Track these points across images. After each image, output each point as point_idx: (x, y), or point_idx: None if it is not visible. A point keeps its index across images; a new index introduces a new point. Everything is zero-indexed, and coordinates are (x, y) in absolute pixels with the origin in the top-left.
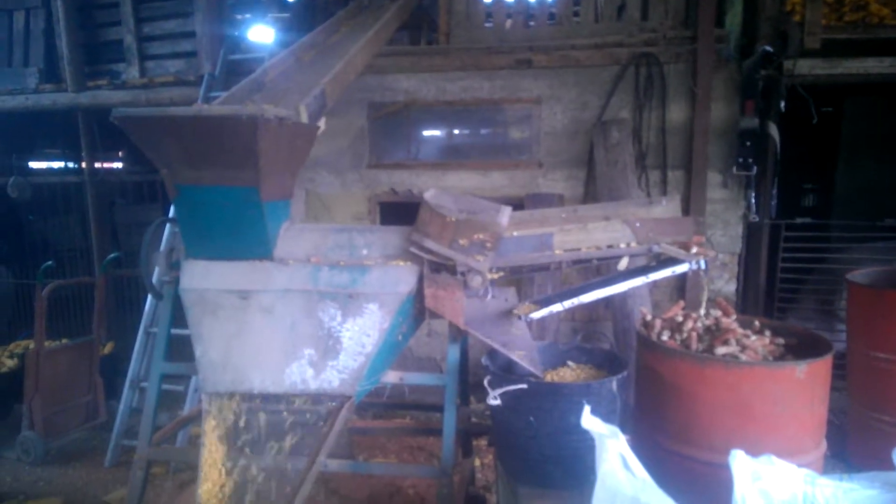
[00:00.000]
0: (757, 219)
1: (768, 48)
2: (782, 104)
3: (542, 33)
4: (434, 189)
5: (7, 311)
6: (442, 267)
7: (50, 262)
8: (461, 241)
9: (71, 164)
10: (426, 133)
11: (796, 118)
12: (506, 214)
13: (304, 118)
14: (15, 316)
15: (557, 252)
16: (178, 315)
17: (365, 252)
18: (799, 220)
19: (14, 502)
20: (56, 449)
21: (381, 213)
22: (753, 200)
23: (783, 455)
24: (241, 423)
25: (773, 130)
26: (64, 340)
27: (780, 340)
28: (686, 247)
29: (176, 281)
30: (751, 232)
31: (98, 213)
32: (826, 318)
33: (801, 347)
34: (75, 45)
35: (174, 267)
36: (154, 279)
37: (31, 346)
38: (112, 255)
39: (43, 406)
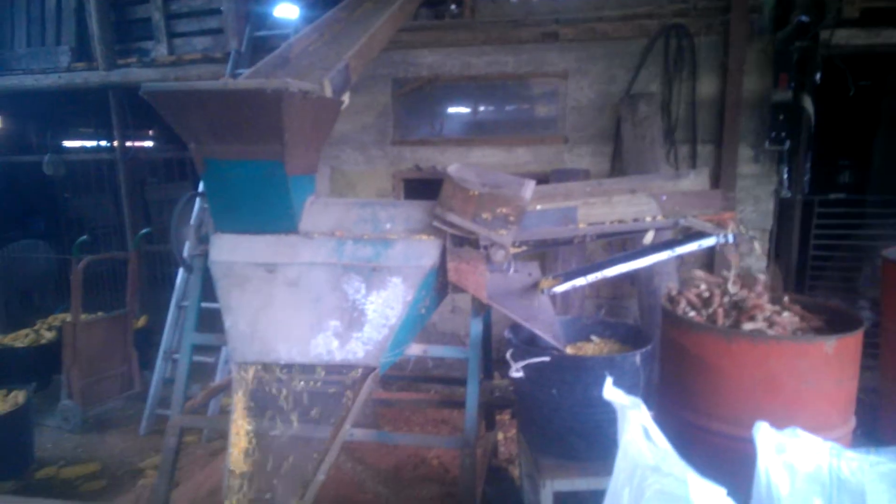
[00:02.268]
0: (789, 194)
1: (804, 18)
2: (818, 76)
3: (569, 5)
4: (458, 164)
5: (47, 285)
6: (465, 241)
7: (84, 237)
8: (484, 215)
9: (103, 143)
10: (450, 109)
11: (832, 91)
12: (529, 188)
13: (328, 92)
14: (54, 290)
15: (581, 226)
16: (209, 289)
17: (388, 226)
18: (833, 196)
19: (54, 468)
20: (93, 417)
21: (406, 189)
22: (786, 176)
23: (811, 430)
24: (269, 393)
25: (808, 103)
26: (100, 314)
27: (811, 316)
28: (723, 224)
29: (205, 254)
30: (782, 208)
31: (130, 191)
32: (850, 295)
33: (832, 324)
34: (106, 24)
35: (203, 241)
36: (184, 253)
37: (69, 318)
38: (143, 231)
39: (80, 376)
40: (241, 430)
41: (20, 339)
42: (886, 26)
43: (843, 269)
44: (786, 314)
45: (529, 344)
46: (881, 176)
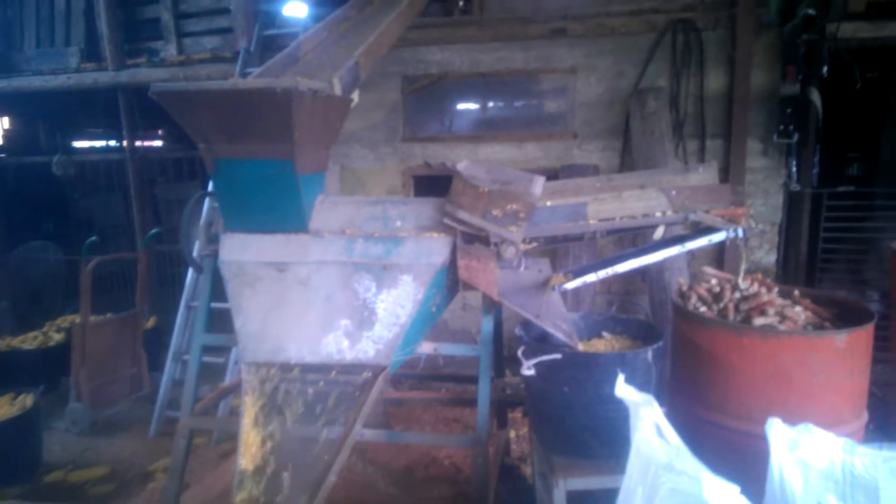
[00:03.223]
0: (798, 187)
1: (810, 11)
2: (825, 69)
3: (577, 2)
4: (467, 160)
5: (56, 286)
6: (475, 238)
7: (94, 238)
8: (494, 212)
9: (113, 143)
10: (460, 106)
11: (840, 84)
12: (539, 184)
13: (338, 91)
14: (64, 291)
15: (592, 221)
16: (219, 290)
17: (399, 224)
18: (842, 189)
19: (63, 471)
20: (102, 420)
21: (415, 186)
22: (795, 169)
23: (823, 426)
24: (280, 393)
25: (815, 97)
26: (109, 315)
27: (821, 310)
28: (735, 219)
29: (215, 254)
30: (792, 201)
31: (139, 191)
32: (859, 287)
33: (842, 317)
34: (115, 24)
35: (213, 240)
36: (194, 252)
37: (77, 320)
38: (153, 231)
39: (89, 378)
40: (251, 431)
41: (28, 341)
42: (892, 19)
43: (852, 262)
44: (796, 308)
45: (541, 341)
46: (890, 168)
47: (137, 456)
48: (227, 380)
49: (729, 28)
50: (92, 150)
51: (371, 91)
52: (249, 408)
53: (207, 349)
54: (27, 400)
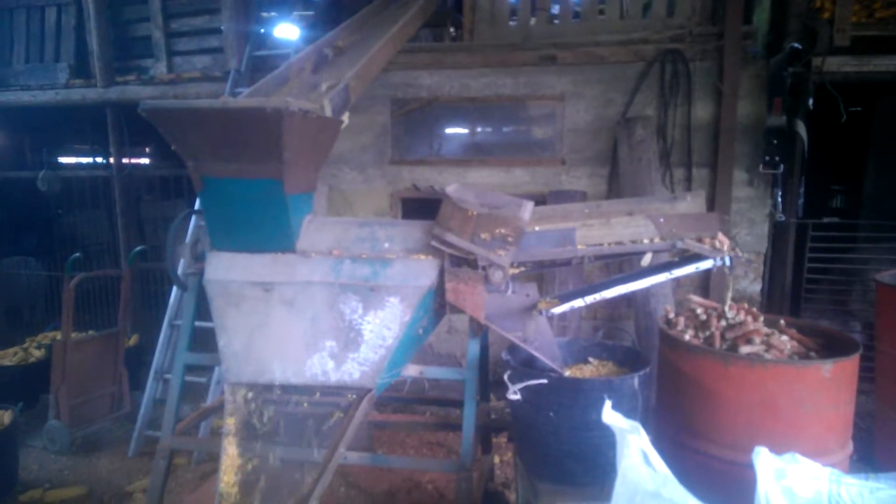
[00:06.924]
0: (783, 218)
1: (796, 45)
2: (810, 102)
3: (566, 30)
4: (456, 184)
5: (37, 302)
6: (463, 261)
7: (77, 254)
8: (483, 236)
9: (99, 159)
10: (449, 130)
11: (825, 117)
12: (528, 209)
13: (328, 112)
14: (45, 307)
15: (580, 247)
16: (203, 308)
17: (387, 245)
18: (826, 220)
19: (39, 490)
20: (81, 438)
21: (403, 209)
22: (780, 199)
23: (808, 455)
24: (263, 414)
25: (801, 129)
26: (90, 332)
27: (806, 340)
28: (720, 247)
29: (200, 273)
30: (777, 231)
31: (125, 208)
32: (842, 317)
33: (827, 347)
34: (105, 41)
35: (199, 258)
36: (179, 271)
37: (59, 336)
38: (138, 248)
39: (69, 396)
40: (232, 452)
41: (8, 357)
42: (875, 55)
43: (835, 292)
44: (782, 337)
45: (527, 366)
46: (872, 201)
47: (116, 476)
48: (210, 400)
49: (716, 59)
50: (78, 166)
51: (361, 113)
52: (231, 429)
53: (190, 368)
54: (5, 417)
